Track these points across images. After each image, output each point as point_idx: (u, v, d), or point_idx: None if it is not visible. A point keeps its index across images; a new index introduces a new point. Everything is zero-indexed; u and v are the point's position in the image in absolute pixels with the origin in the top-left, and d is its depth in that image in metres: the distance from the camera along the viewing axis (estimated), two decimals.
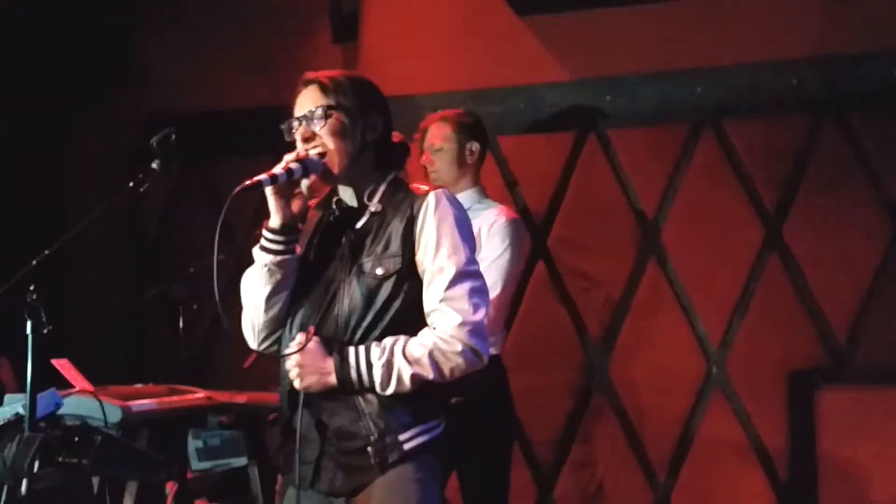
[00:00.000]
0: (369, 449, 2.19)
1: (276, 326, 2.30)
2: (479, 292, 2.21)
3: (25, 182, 4.55)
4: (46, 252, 2.34)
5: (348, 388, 2.19)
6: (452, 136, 3.44)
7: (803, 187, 3.99)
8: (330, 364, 2.18)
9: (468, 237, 2.24)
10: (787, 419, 3.93)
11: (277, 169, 2.21)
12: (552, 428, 4.19)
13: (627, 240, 4.15)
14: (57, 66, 4.59)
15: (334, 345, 2.20)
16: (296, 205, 2.26)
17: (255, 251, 2.29)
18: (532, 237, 4.25)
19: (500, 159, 4.30)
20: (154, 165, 2.39)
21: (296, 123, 2.25)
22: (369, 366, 2.17)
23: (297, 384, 2.20)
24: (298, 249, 2.30)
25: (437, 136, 3.45)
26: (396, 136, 2.35)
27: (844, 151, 3.95)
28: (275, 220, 2.26)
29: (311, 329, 2.20)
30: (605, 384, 4.15)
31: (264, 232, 2.28)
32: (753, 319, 4.00)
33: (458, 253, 2.20)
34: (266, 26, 4.57)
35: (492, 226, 3.34)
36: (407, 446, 2.19)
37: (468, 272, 2.21)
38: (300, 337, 2.21)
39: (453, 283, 2.18)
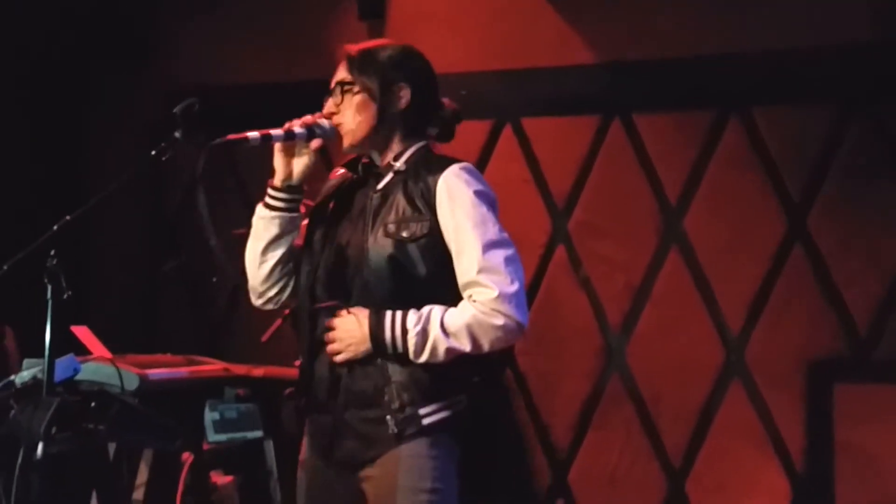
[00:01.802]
0: (388, 418, 2.18)
1: (272, 282, 2.31)
2: (513, 261, 2.19)
3: (49, 156, 4.57)
4: (68, 218, 2.34)
5: (381, 352, 2.18)
6: None
7: (830, 177, 3.95)
8: (364, 330, 2.17)
9: (492, 209, 2.22)
10: (806, 410, 3.90)
11: (277, 130, 2.24)
12: (568, 412, 4.18)
13: (649, 226, 4.12)
14: (81, 40, 4.59)
15: (368, 306, 2.20)
16: (300, 164, 2.27)
17: (259, 205, 2.32)
18: (553, 221, 4.24)
19: (524, 141, 4.28)
20: (177, 135, 2.39)
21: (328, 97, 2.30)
22: (404, 332, 2.16)
23: (336, 359, 2.20)
24: (303, 209, 2.32)
25: None
26: (446, 103, 2.34)
27: (873, 142, 3.91)
28: (277, 177, 2.29)
29: (345, 310, 2.19)
30: (623, 370, 4.13)
31: (268, 188, 2.30)
32: (774, 309, 3.97)
33: (486, 223, 2.19)
34: (292, 2, 4.56)
35: None
36: (426, 421, 2.19)
37: (498, 241, 2.19)
38: (342, 314, 2.19)
39: (485, 254, 2.17)
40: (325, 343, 2.22)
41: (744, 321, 4.01)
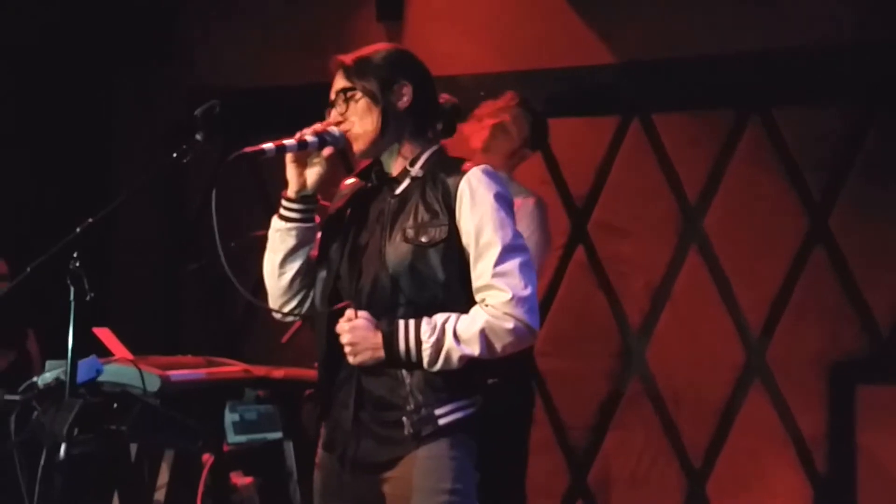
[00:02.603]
0: (404, 419, 2.19)
1: (292, 294, 2.32)
2: (528, 266, 2.20)
3: (71, 157, 4.60)
4: (90, 220, 2.35)
5: (396, 364, 2.20)
6: (519, 120, 3.44)
7: (851, 178, 3.93)
8: (378, 339, 2.19)
9: (510, 212, 2.23)
10: (827, 412, 3.88)
11: (290, 139, 2.24)
12: (587, 413, 4.17)
13: (669, 226, 4.11)
14: (103, 42, 4.62)
15: (381, 314, 2.20)
16: (313, 174, 2.28)
17: (274, 218, 2.32)
18: (572, 221, 4.23)
19: None
20: (198, 137, 2.39)
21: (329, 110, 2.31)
22: (418, 343, 2.17)
23: (351, 360, 2.21)
24: (318, 219, 2.32)
25: (513, 120, 3.44)
26: (443, 98, 2.34)
27: (895, 142, 3.88)
28: (290, 188, 2.30)
29: (353, 311, 2.20)
30: (643, 371, 4.12)
31: (282, 199, 2.31)
32: (796, 310, 3.96)
33: (505, 227, 2.19)
34: (311, 3, 4.57)
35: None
36: (442, 421, 2.19)
37: (516, 246, 2.20)
38: (349, 312, 2.21)
39: (502, 258, 2.18)
40: (342, 347, 2.23)
41: (765, 322, 3.99)
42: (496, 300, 2.17)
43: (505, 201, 2.23)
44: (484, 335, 2.17)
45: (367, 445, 2.22)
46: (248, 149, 2.23)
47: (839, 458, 3.86)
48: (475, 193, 2.20)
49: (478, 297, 2.20)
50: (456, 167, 2.25)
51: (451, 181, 2.22)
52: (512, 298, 2.16)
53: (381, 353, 2.18)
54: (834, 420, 3.88)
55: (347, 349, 2.20)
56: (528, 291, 2.17)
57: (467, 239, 2.21)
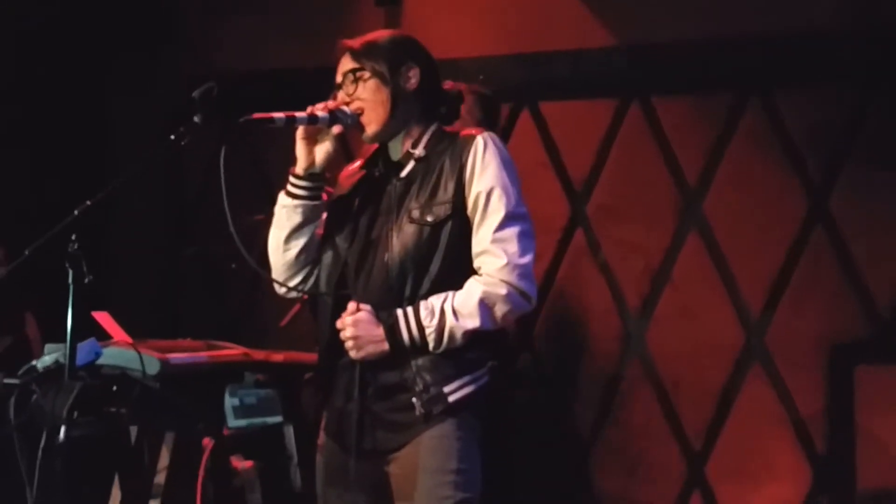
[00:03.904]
0: (415, 400, 2.20)
1: (297, 269, 2.33)
2: (527, 235, 2.22)
3: (71, 145, 4.59)
4: (88, 202, 2.35)
5: (400, 352, 2.21)
6: (473, 109, 3.41)
7: (851, 160, 3.92)
8: (382, 331, 2.20)
9: (515, 180, 2.25)
10: (827, 393, 3.89)
11: (301, 112, 2.25)
12: (588, 397, 4.17)
13: (669, 209, 4.11)
14: (102, 27, 4.61)
15: (390, 298, 2.21)
16: (321, 151, 2.28)
17: (280, 194, 2.33)
18: (571, 205, 4.23)
19: (542, 125, 4.27)
20: (196, 119, 2.39)
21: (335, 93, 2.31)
22: (421, 330, 2.19)
23: (353, 355, 2.22)
24: (325, 197, 2.33)
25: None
26: (448, 85, 2.36)
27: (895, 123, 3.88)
28: (299, 165, 2.30)
29: (355, 304, 2.20)
30: (642, 354, 4.13)
31: (290, 176, 2.31)
32: (796, 292, 3.95)
33: (508, 195, 2.21)
34: None
35: None
36: (452, 398, 2.21)
37: (517, 214, 2.22)
38: (351, 305, 2.21)
39: (503, 224, 2.20)
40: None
41: (764, 304, 3.99)
42: (491, 266, 2.19)
43: (511, 168, 2.25)
44: (483, 305, 2.18)
45: (379, 435, 2.23)
46: (258, 115, 2.24)
47: (839, 439, 3.86)
48: (483, 158, 2.23)
49: (476, 264, 2.22)
50: (463, 137, 2.26)
51: (461, 151, 2.23)
52: (507, 264, 2.18)
53: (385, 346, 2.20)
54: (833, 401, 3.88)
55: (349, 344, 2.21)
56: (524, 259, 2.19)
57: (472, 206, 2.22)
